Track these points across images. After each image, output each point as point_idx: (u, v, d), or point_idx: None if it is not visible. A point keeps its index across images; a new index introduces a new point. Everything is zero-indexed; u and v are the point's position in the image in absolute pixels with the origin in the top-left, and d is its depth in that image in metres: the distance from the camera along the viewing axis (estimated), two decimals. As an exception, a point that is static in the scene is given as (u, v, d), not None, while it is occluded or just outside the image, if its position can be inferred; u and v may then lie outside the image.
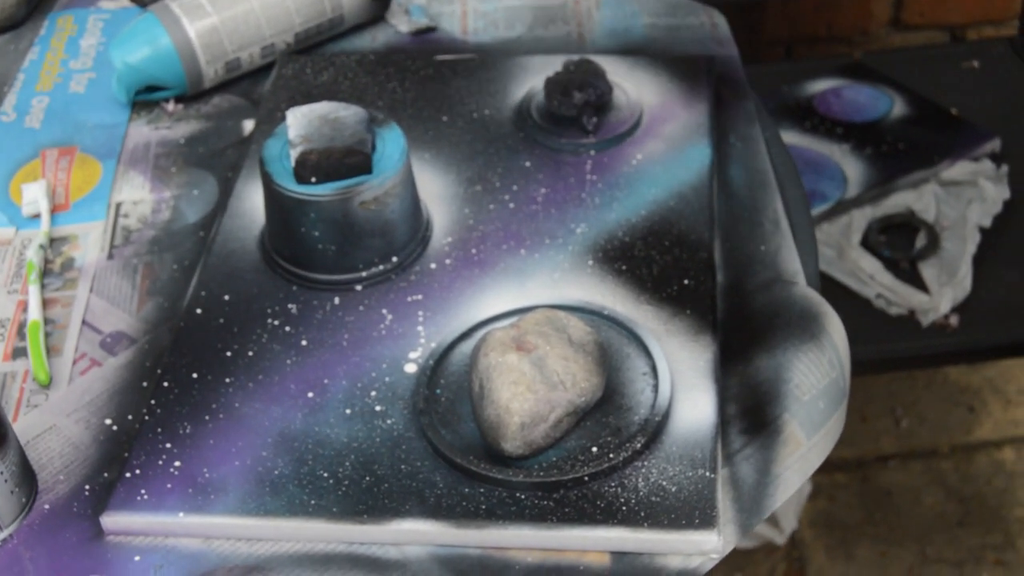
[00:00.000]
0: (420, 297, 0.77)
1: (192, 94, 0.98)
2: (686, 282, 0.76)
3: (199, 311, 0.77)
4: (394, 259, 0.79)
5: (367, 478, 0.66)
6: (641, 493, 0.65)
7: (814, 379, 0.71)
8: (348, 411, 0.70)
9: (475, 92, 0.93)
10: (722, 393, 0.70)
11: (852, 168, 1.45)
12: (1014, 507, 1.58)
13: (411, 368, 0.72)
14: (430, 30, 1.04)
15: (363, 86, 0.95)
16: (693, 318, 0.74)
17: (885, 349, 1.32)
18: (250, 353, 0.74)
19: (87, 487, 0.69)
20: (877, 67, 1.61)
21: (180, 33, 0.94)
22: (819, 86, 1.59)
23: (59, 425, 0.73)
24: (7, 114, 0.99)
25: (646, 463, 0.66)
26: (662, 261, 0.78)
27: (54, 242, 0.86)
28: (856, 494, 1.60)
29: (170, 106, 0.98)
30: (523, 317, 0.70)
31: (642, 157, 0.86)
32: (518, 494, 0.65)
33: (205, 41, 0.95)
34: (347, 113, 0.79)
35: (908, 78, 1.58)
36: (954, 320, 1.31)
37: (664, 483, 0.65)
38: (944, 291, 1.32)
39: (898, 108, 1.53)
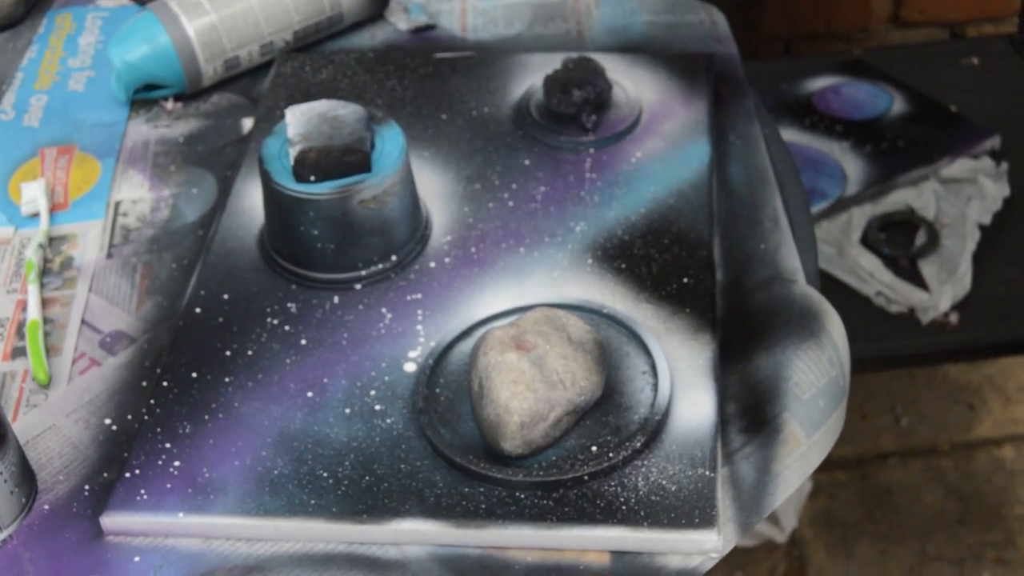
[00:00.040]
0: (419, 296, 0.77)
1: (191, 92, 0.98)
2: (685, 280, 0.76)
3: (198, 310, 0.77)
4: (393, 258, 0.79)
5: (367, 478, 0.66)
6: (641, 492, 0.64)
7: (814, 377, 0.71)
8: (347, 410, 0.70)
9: (474, 90, 0.93)
10: (722, 392, 0.70)
11: (852, 166, 1.45)
12: (1014, 505, 1.58)
13: (410, 367, 0.72)
14: (429, 28, 1.04)
15: (362, 84, 0.95)
16: (692, 316, 0.74)
17: (885, 347, 1.32)
18: (249, 352, 0.74)
19: (87, 487, 0.69)
20: (877, 64, 1.61)
21: (179, 31, 0.94)
22: (818, 83, 1.58)
23: (58, 425, 0.73)
24: (6, 113, 0.98)
25: (646, 462, 0.66)
26: (661, 259, 0.78)
27: (53, 241, 0.86)
28: (856, 492, 1.60)
29: (169, 104, 0.98)
30: (522, 316, 0.70)
31: (641, 155, 0.86)
32: (518, 493, 0.65)
33: (204, 39, 0.95)
34: (346, 111, 0.79)
35: (908, 75, 1.57)
36: (954, 318, 1.31)
37: (664, 482, 0.65)
38: (944, 289, 1.32)
39: (898, 105, 1.53)
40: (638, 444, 0.66)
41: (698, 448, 0.66)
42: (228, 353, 0.74)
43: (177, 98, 0.98)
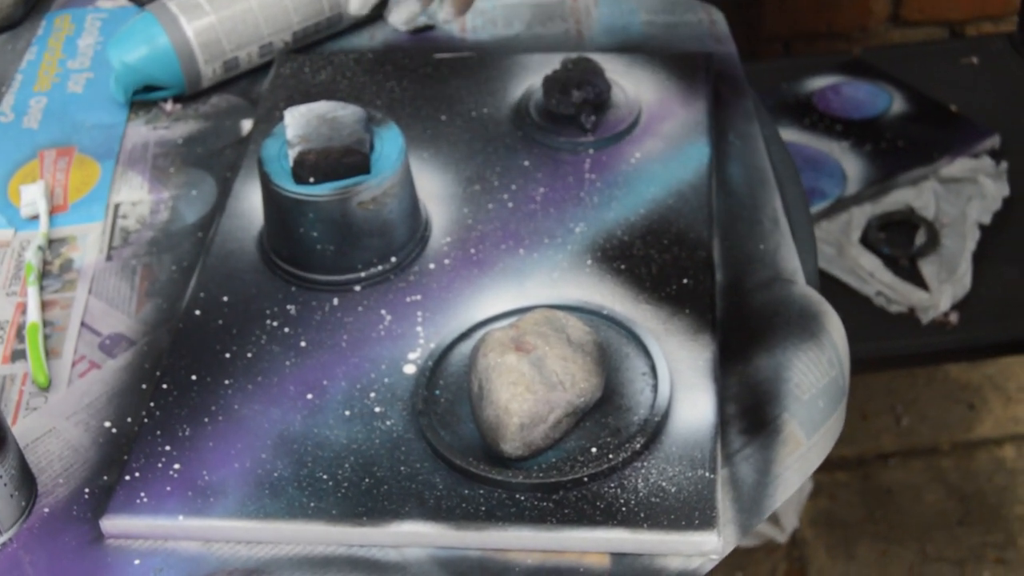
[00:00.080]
0: (419, 297, 0.77)
1: (190, 94, 0.98)
2: (685, 281, 0.76)
3: (198, 312, 0.77)
4: (393, 259, 0.79)
5: (366, 480, 0.66)
6: (641, 494, 0.64)
7: (813, 378, 0.71)
8: (347, 413, 0.70)
9: (473, 91, 0.93)
10: (721, 393, 0.70)
11: (851, 165, 1.45)
12: (1015, 505, 1.57)
13: (410, 369, 0.72)
14: (428, 28, 1.04)
15: (361, 85, 0.95)
16: (692, 317, 0.74)
17: (885, 347, 1.32)
18: (249, 354, 0.74)
19: (87, 490, 0.69)
20: (876, 64, 1.61)
21: (178, 32, 0.94)
22: (818, 83, 1.58)
23: (58, 428, 0.73)
24: (5, 115, 0.98)
25: (645, 464, 0.66)
26: (661, 260, 0.78)
27: (53, 243, 0.86)
28: (857, 492, 1.60)
29: (168, 106, 0.97)
30: (522, 317, 0.70)
31: (641, 155, 0.86)
32: (517, 495, 0.65)
33: (203, 40, 0.95)
34: (345, 112, 0.79)
35: (907, 74, 1.57)
36: (954, 317, 1.31)
37: (664, 484, 0.65)
38: (944, 288, 1.32)
39: (897, 105, 1.53)
40: (638, 446, 0.66)
41: (698, 449, 0.66)
42: (228, 355, 0.74)
43: (176, 99, 0.98)
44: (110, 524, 0.66)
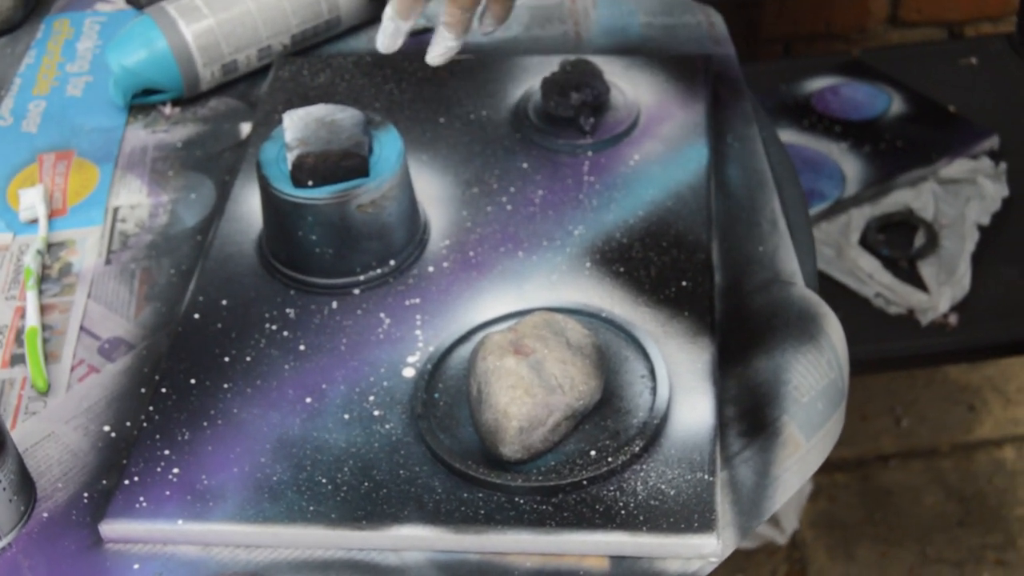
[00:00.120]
0: (418, 301, 0.77)
1: (189, 97, 0.98)
2: (684, 283, 0.76)
3: (197, 316, 0.77)
4: (391, 262, 0.79)
5: (366, 484, 0.66)
6: (640, 497, 0.64)
7: (813, 380, 0.71)
8: (346, 416, 0.70)
9: (472, 93, 0.93)
10: (720, 395, 0.70)
11: (850, 167, 1.45)
12: (1015, 506, 1.57)
13: (409, 372, 0.72)
14: (427, 31, 1.04)
15: (360, 88, 0.95)
16: (691, 320, 0.74)
17: (884, 348, 1.32)
18: (248, 358, 0.74)
19: (86, 495, 0.69)
20: (875, 65, 1.61)
21: (176, 36, 0.94)
22: (817, 84, 1.58)
23: (57, 432, 0.72)
24: (4, 119, 0.98)
25: (645, 466, 0.66)
26: (660, 262, 0.78)
27: (52, 247, 0.86)
28: (856, 494, 1.60)
29: (167, 109, 0.97)
30: (521, 320, 0.70)
31: (639, 158, 0.86)
32: (517, 499, 0.65)
33: (202, 43, 0.95)
34: (344, 115, 0.79)
35: (906, 75, 1.57)
36: (953, 319, 1.31)
37: (663, 486, 0.65)
38: (943, 290, 1.32)
39: (896, 106, 1.53)
40: (637, 448, 0.66)
41: (697, 452, 0.66)
42: (227, 359, 0.74)
43: (175, 103, 0.98)
44: (109, 528, 0.66)
